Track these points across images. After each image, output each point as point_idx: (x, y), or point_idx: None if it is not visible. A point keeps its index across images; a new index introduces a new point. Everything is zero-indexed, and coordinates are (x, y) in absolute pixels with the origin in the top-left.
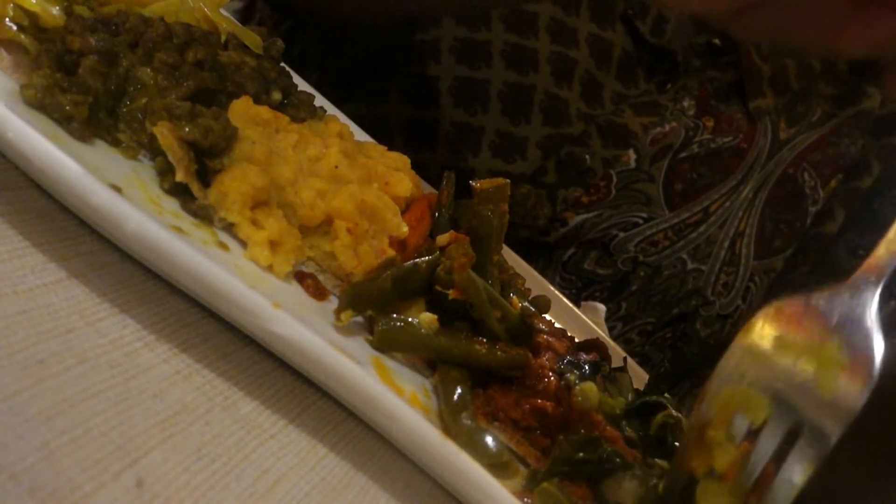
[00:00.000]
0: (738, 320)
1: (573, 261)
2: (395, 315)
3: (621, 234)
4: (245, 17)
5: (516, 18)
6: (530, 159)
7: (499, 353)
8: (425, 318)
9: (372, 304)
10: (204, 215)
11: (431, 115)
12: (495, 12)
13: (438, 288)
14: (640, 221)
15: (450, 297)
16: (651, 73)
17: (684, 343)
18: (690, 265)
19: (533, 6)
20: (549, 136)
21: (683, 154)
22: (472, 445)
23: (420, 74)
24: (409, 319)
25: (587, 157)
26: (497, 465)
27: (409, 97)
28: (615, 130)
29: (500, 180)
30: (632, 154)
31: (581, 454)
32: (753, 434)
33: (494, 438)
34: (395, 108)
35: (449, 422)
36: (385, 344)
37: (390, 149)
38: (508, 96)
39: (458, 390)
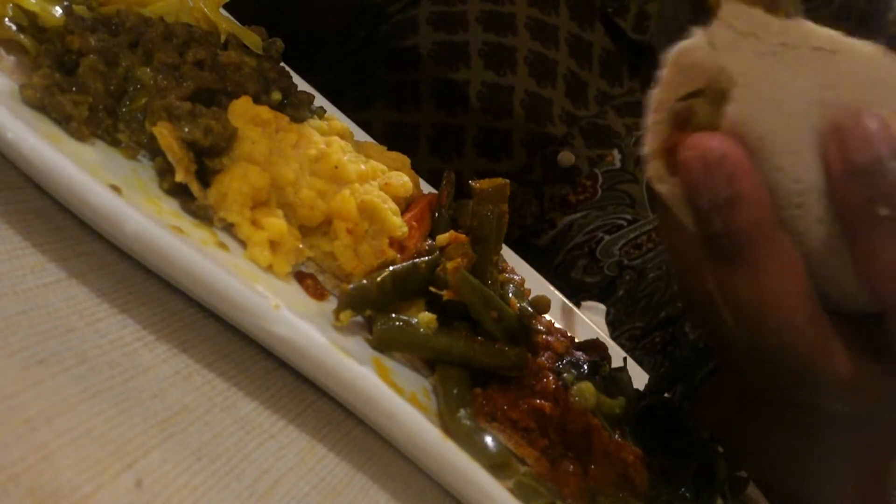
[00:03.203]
0: None
1: (561, 269)
2: (394, 315)
3: (607, 238)
4: None
5: (494, 18)
6: (515, 158)
7: (497, 352)
8: (424, 318)
9: (371, 304)
10: (204, 215)
11: (413, 118)
12: (472, 13)
13: (433, 289)
14: (625, 223)
15: (444, 298)
16: (634, 71)
17: (674, 347)
18: None
19: (509, 6)
20: (532, 134)
21: None
22: (472, 445)
23: (401, 80)
24: (409, 319)
25: (572, 156)
26: (497, 465)
27: (391, 102)
28: (599, 131)
29: (500, 180)
30: (616, 154)
31: None
32: None
33: (494, 438)
34: (378, 114)
35: (448, 421)
36: (384, 344)
37: None
38: (488, 96)
39: (457, 390)
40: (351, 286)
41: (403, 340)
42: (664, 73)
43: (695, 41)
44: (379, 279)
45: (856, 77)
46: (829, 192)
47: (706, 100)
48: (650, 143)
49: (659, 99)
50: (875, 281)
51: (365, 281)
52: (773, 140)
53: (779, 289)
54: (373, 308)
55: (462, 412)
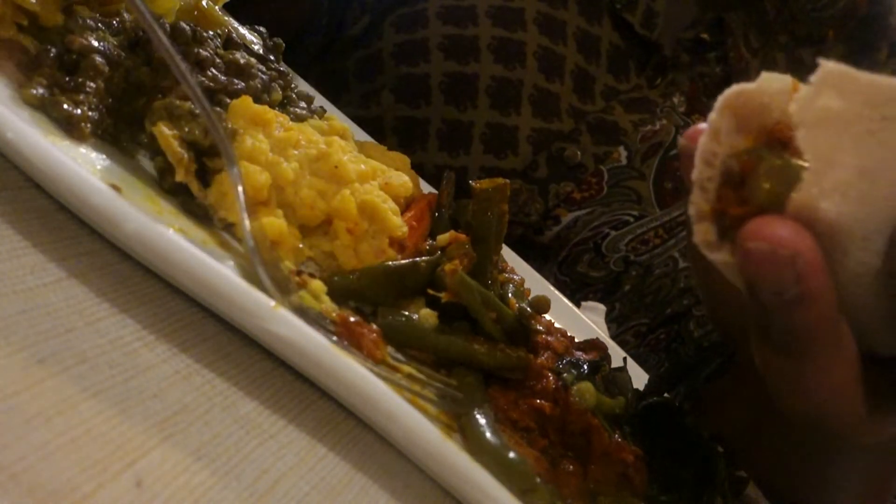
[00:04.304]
0: None
1: (566, 264)
2: (394, 311)
3: (613, 233)
4: None
5: (503, 13)
6: (521, 155)
7: (498, 353)
8: (425, 314)
9: (355, 296)
10: (204, 215)
11: (423, 113)
12: (482, 7)
13: (431, 291)
14: (631, 220)
15: (443, 300)
16: (641, 67)
17: (678, 344)
18: (682, 263)
19: (518, 1)
20: (539, 131)
21: (674, 152)
22: (500, 465)
23: (411, 74)
24: (410, 315)
25: (578, 152)
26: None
27: (401, 97)
28: (605, 128)
29: (500, 180)
30: (622, 151)
31: None
32: None
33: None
34: (387, 109)
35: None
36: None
37: None
38: (497, 91)
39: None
40: (335, 277)
41: (404, 336)
42: (714, 119)
43: (755, 87)
44: (369, 272)
45: None
46: (886, 279)
47: (766, 162)
48: (697, 203)
49: (709, 150)
50: None
51: (352, 276)
52: (847, 226)
53: (837, 381)
54: (363, 302)
55: (488, 428)
